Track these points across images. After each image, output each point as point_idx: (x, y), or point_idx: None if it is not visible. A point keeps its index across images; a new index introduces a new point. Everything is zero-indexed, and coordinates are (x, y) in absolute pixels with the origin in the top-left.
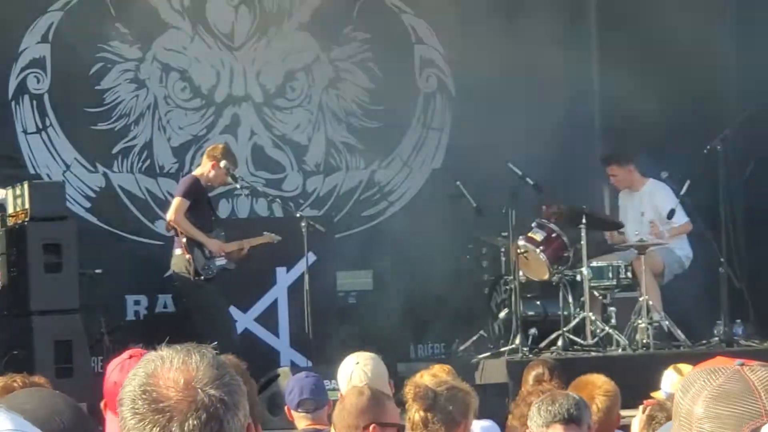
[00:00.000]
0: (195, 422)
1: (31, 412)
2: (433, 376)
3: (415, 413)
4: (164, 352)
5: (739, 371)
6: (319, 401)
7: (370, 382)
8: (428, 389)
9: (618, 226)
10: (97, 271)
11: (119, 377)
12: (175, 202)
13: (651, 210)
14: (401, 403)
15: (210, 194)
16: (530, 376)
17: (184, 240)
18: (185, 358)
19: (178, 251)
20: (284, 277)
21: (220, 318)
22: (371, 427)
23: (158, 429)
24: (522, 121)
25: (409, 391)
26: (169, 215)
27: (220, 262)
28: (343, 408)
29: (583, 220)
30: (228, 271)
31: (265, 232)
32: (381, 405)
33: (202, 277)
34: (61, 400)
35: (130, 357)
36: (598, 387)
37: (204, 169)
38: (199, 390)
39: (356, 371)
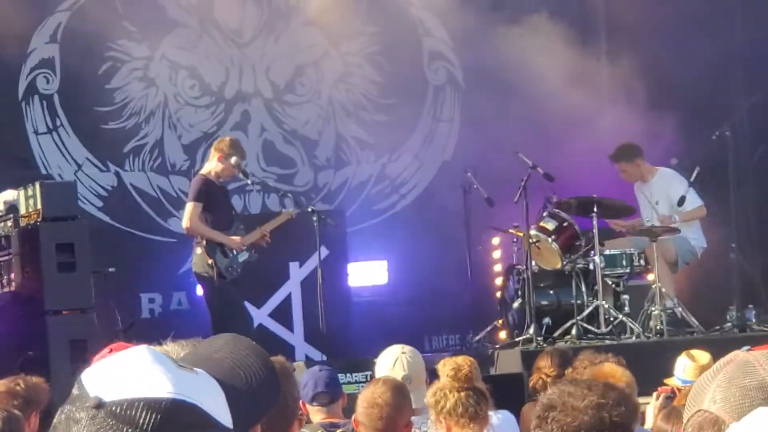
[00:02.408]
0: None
1: (218, 361)
2: (455, 367)
3: (450, 394)
4: (168, 347)
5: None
6: (333, 394)
7: (410, 373)
8: (467, 372)
9: (630, 211)
10: (111, 269)
11: None
12: (188, 207)
13: (663, 198)
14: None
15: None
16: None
17: (205, 242)
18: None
19: (198, 250)
20: (297, 272)
21: (238, 314)
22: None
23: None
24: (532, 111)
25: (449, 371)
26: (184, 223)
27: (243, 257)
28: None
29: (595, 209)
30: (242, 266)
31: (282, 210)
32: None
33: (227, 279)
34: (253, 351)
35: (111, 351)
36: (617, 380)
37: (211, 164)
38: None
39: (401, 360)
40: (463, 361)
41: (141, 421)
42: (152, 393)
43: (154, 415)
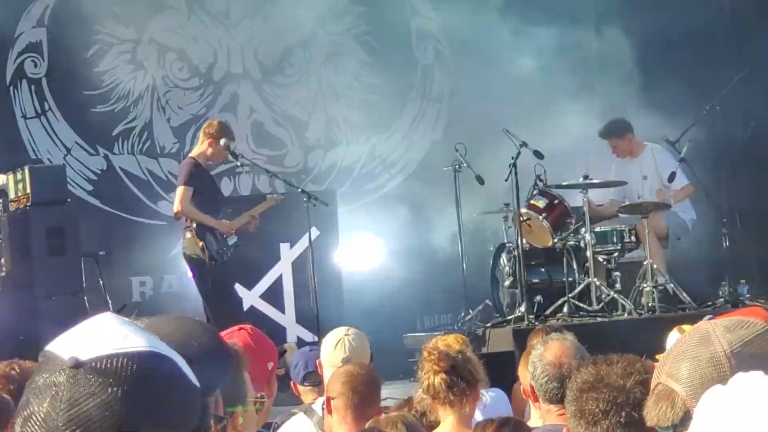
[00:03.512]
0: None
1: (168, 335)
2: (446, 345)
3: (434, 376)
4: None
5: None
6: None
7: (350, 355)
8: (447, 353)
9: (620, 185)
10: (101, 253)
11: None
12: (179, 191)
13: (653, 174)
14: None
15: (212, 172)
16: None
17: (195, 226)
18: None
19: (188, 234)
20: (288, 253)
21: (228, 297)
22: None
23: None
24: (521, 89)
25: (430, 353)
26: (175, 206)
27: (232, 240)
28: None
29: (583, 187)
30: (232, 249)
31: (267, 195)
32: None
33: (218, 262)
34: (198, 326)
35: None
36: None
37: (201, 147)
38: None
39: (343, 341)
40: (439, 342)
41: (123, 372)
42: (129, 347)
43: (135, 366)
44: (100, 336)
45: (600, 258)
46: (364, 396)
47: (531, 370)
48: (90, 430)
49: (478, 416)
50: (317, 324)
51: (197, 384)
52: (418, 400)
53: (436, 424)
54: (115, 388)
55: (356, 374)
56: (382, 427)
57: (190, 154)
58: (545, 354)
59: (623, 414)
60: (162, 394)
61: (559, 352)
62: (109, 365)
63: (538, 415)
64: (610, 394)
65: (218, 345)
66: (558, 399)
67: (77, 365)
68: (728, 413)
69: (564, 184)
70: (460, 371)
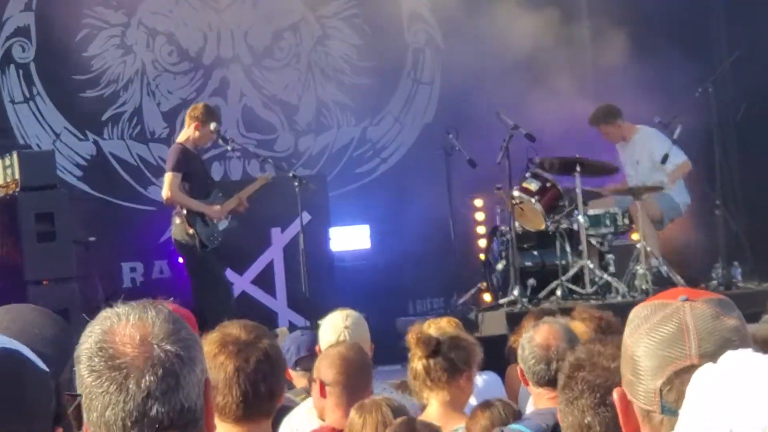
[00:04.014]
0: (152, 378)
1: (5, 328)
2: (438, 328)
3: (417, 361)
4: (120, 308)
5: (679, 308)
6: (316, 359)
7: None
8: (431, 337)
9: (613, 170)
10: (91, 239)
11: None
12: (167, 178)
13: (645, 157)
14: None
15: (203, 157)
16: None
17: (185, 212)
18: (141, 314)
19: (177, 220)
20: (279, 238)
21: (218, 283)
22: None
23: (115, 386)
24: (513, 72)
25: (411, 338)
26: (164, 193)
27: (223, 225)
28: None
29: (577, 168)
30: (223, 234)
31: (258, 175)
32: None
33: (209, 248)
34: (40, 314)
35: None
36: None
37: (188, 132)
38: (155, 345)
39: (344, 334)
40: (431, 325)
41: None
42: None
43: None
44: None
45: (593, 241)
46: (358, 381)
47: (520, 352)
48: None
49: (472, 400)
50: (309, 308)
51: (44, 368)
52: (411, 385)
53: None
54: None
55: (350, 360)
56: (366, 411)
57: (178, 140)
58: (534, 336)
59: (597, 396)
60: (17, 388)
61: (547, 335)
62: None
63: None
64: (590, 375)
65: (61, 330)
66: (546, 381)
67: None
68: (718, 392)
69: (555, 158)
70: (444, 355)
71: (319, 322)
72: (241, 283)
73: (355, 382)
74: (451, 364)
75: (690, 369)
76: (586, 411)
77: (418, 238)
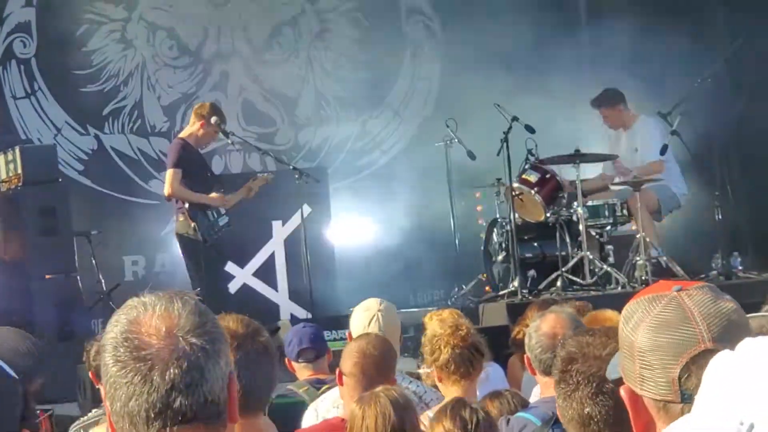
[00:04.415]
0: (176, 371)
1: None
2: (441, 320)
3: (451, 351)
4: (147, 298)
5: (676, 298)
6: (319, 350)
7: (384, 332)
8: (469, 329)
9: (612, 158)
10: (94, 232)
11: None
12: (168, 174)
13: (644, 146)
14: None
15: (202, 151)
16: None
17: (187, 207)
18: (167, 305)
19: (181, 217)
20: (280, 231)
21: (217, 278)
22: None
23: (140, 377)
24: (512, 63)
25: (447, 329)
26: (166, 189)
27: (223, 221)
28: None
29: (577, 159)
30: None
31: (258, 174)
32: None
33: (209, 243)
34: (12, 332)
35: None
36: (615, 323)
37: (192, 128)
38: (181, 338)
39: (377, 318)
40: (457, 318)
41: None
42: None
43: None
44: None
45: (593, 232)
46: (372, 377)
47: (527, 341)
48: None
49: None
50: (310, 301)
51: (14, 375)
52: (424, 377)
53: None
54: None
55: (368, 354)
56: (365, 403)
57: (180, 135)
58: (541, 325)
59: (594, 386)
60: None
61: (554, 324)
62: None
63: None
64: (583, 366)
65: (33, 345)
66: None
67: None
68: (736, 379)
69: (556, 156)
70: (474, 345)
71: (351, 309)
72: (242, 275)
73: (370, 376)
74: (478, 356)
75: (705, 354)
76: (585, 402)
77: (418, 230)
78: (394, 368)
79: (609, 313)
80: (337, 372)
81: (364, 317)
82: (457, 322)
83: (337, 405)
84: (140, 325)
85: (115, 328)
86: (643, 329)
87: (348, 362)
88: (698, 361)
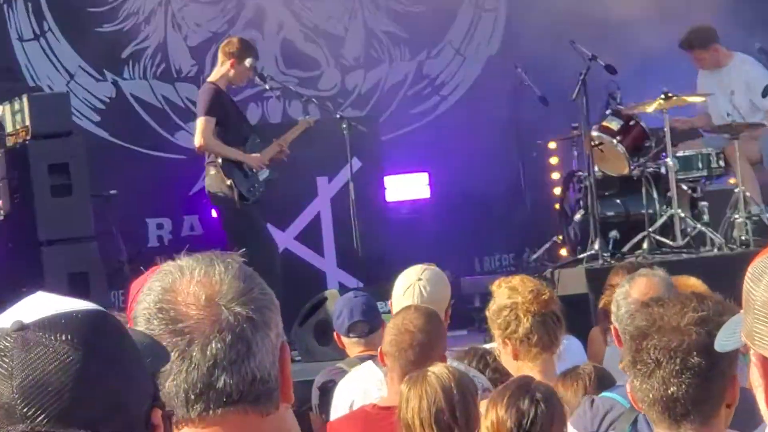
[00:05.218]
0: (219, 345)
1: None
2: (512, 289)
3: (527, 319)
4: (184, 262)
5: None
6: (372, 324)
7: (427, 303)
8: (539, 291)
9: (706, 95)
10: (112, 192)
11: None
12: (199, 123)
13: (741, 88)
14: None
15: (236, 98)
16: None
17: (220, 161)
18: (207, 269)
19: (212, 170)
20: (326, 188)
21: (262, 239)
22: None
23: (177, 353)
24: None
25: (525, 297)
26: (197, 141)
27: (264, 175)
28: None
29: (664, 102)
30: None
31: (299, 119)
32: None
33: (250, 201)
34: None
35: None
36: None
37: (222, 69)
38: (224, 307)
39: (414, 288)
40: (535, 283)
41: (75, 329)
42: (76, 307)
43: (87, 323)
44: (42, 304)
45: (684, 186)
46: (411, 356)
47: (614, 310)
48: (47, 384)
49: None
50: (361, 268)
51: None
52: (497, 354)
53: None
54: (68, 337)
55: (403, 331)
56: (412, 383)
57: (209, 79)
58: (631, 291)
59: (678, 361)
60: (117, 347)
61: (645, 289)
62: (60, 321)
63: None
64: (660, 341)
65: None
66: None
67: (22, 327)
68: None
69: (642, 103)
70: (555, 316)
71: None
72: (283, 239)
73: (408, 355)
74: (560, 325)
75: None
76: (667, 382)
77: (483, 187)
78: (439, 345)
79: (692, 281)
80: (378, 351)
81: (400, 287)
82: (537, 286)
83: (379, 386)
84: (177, 293)
85: (147, 297)
86: None
87: (385, 339)
88: None
